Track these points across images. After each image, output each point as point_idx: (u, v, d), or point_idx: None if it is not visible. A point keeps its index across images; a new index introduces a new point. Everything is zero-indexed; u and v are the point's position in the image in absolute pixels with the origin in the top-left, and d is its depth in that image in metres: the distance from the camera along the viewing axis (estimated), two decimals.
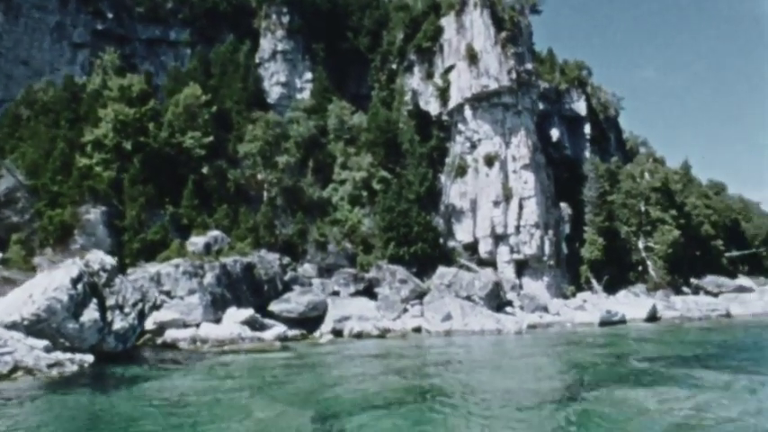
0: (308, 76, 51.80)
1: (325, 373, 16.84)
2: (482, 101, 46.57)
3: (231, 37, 51.92)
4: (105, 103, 36.88)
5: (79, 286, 16.87)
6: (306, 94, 51.08)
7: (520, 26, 49.21)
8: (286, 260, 35.95)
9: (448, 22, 49.91)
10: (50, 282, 17.07)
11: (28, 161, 32.53)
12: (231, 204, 37.47)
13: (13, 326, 16.21)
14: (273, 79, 51.12)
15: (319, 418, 11.00)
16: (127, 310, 17.74)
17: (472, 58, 46.36)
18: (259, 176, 43.01)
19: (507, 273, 44.14)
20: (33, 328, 16.35)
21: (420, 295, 37.00)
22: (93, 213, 30.97)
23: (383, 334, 28.27)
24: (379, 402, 11.93)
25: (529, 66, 48.06)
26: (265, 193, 41.89)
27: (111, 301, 17.58)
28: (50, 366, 14.04)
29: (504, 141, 46.24)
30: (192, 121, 39.79)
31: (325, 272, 37.52)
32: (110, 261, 19.63)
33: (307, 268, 36.78)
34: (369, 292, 36.70)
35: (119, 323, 17.18)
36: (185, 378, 15.30)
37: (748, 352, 20.80)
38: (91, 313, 16.50)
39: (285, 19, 51.51)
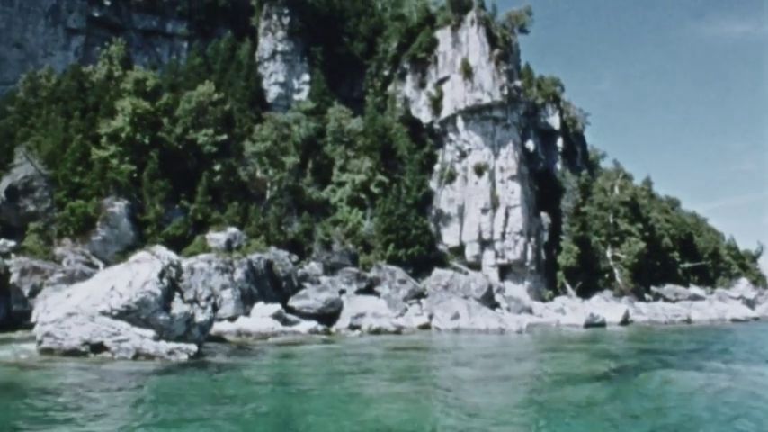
0: (306, 77, 53.11)
1: (401, 359, 18.99)
2: (474, 113, 49.48)
3: (229, 33, 52.52)
4: (118, 95, 37.17)
5: (164, 280, 18.18)
6: (302, 96, 52.38)
7: (511, 44, 52.53)
8: (294, 258, 37.50)
9: (443, 35, 52.51)
10: (135, 275, 18.23)
11: (45, 151, 32.55)
12: (241, 202, 38.58)
13: (101, 315, 17.39)
14: (272, 79, 52.14)
15: (441, 396, 13.12)
16: (203, 303, 19.15)
17: (467, 72, 49.17)
18: (258, 175, 44.15)
19: (492, 276, 47.23)
20: (122, 317, 17.57)
21: (418, 295, 39.51)
22: (118, 206, 31.51)
23: (399, 330, 30.45)
24: (484, 384, 14.22)
25: (518, 83, 51.40)
26: (268, 192, 43.10)
27: (188, 295, 18.93)
28: (170, 353, 15.41)
29: (493, 152, 49.34)
30: (201, 117, 40.52)
31: (330, 270, 39.28)
32: (175, 257, 20.89)
33: (313, 266, 38.41)
34: (370, 290, 38.77)
35: (200, 316, 18.56)
36: (276, 365, 17.03)
37: (730, 348, 24.51)
38: (180, 306, 17.83)
39: (286, 20, 52.58)
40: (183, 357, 15.60)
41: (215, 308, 19.86)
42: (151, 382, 13.40)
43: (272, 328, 25.91)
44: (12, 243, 30.73)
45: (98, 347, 15.37)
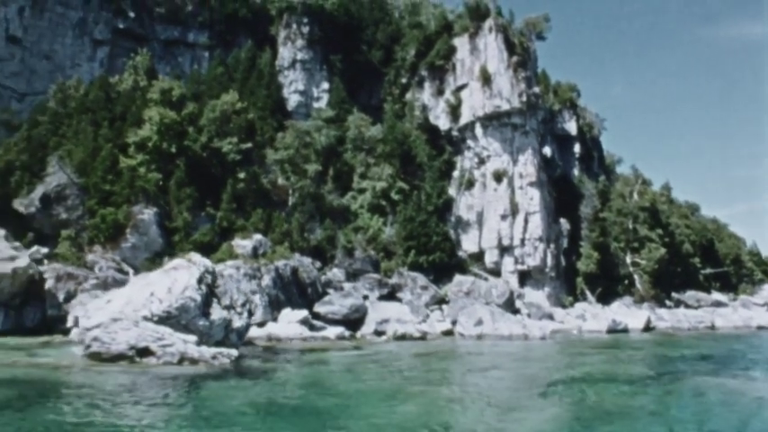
0: (325, 85, 53.73)
1: (435, 363, 19.29)
2: (493, 120, 49.70)
3: (249, 43, 53.29)
4: (144, 105, 37.95)
5: (203, 286, 18.64)
6: (322, 104, 52.96)
7: (528, 51, 52.74)
8: (318, 264, 37.90)
9: (461, 43, 52.85)
10: (174, 282, 18.70)
11: (76, 160, 33.35)
12: (264, 209, 39.10)
13: (144, 320, 17.85)
14: (292, 87, 52.83)
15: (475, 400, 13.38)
16: (239, 309, 19.59)
17: (486, 79, 49.44)
18: (280, 182, 44.70)
19: (511, 282, 47.27)
20: (162, 323, 18.02)
21: (439, 301, 39.78)
22: (147, 214, 32.17)
23: (424, 336, 30.69)
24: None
25: (536, 89, 51.56)
26: (290, 199, 43.62)
27: (225, 301, 19.38)
28: (213, 358, 15.85)
29: (511, 159, 49.49)
30: (224, 125, 41.17)
31: (352, 276, 39.63)
32: (210, 264, 21.35)
33: (336, 273, 38.79)
34: (392, 296, 39.06)
35: (237, 321, 19.00)
36: (314, 371, 17.39)
37: (762, 355, 24.42)
38: (218, 312, 18.27)
39: (305, 29, 53.31)
40: (226, 362, 16.03)
41: (250, 313, 20.29)
42: (198, 387, 13.81)
43: (300, 334, 26.31)
44: (45, 250, 31.49)
45: (143, 352, 15.84)
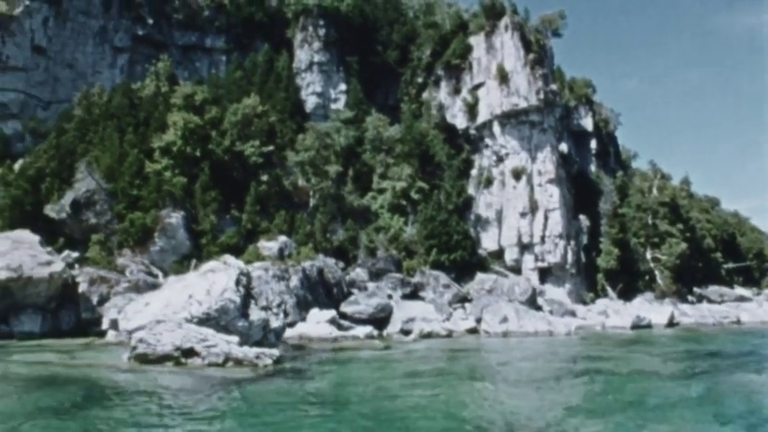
0: (342, 87, 54.07)
1: (469, 359, 19.50)
2: (510, 118, 49.74)
3: (266, 46, 53.78)
4: (167, 110, 38.55)
5: (240, 288, 19.03)
6: (339, 105, 53.32)
7: (545, 48, 52.69)
8: (341, 265, 38.27)
9: (477, 41, 52.93)
10: (212, 284, 19.11)
11: (104, 165, 34.00)
12: (287, 211, 39.55)
13: (185, 322, 18.25)
14: (310, 89, 53.25)
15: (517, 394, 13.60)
16: (275, 310, 19.96)
17: (503, 77, 49.50)
18: (300, 183, 45.14)
19: (532, 280, 47.30)
20: (201, 324, 18.41)
21: (461, 299, 39.94)
22: (174, 217, 32.73)
23: (450, 334, 30.91)
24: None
25: (553, 86, 51.50)
26: (311, 200, 44.04)
27: (261, 302, 19.75)
28: (257, 358, 16.22)
29: (530, 156, 49.50)
30: (246, 129, 41.69)
31: (375, 276, 39.94)
32: (243, 265, 21.75)
33: (359, 272, 39.11)
34: (415, 295, 39.32)
35: (274, 322, 19.37)
36: (354, 370, 17.73)
37: None
38: (257, 313, 18.66)
39: (321, 32, 53.71)
40: (268, 362, 16.37)
41: (285, 314, 20.64)
42: (246, 386, 14.15)
43: (330, 334, 26.62)
44: (75, 254, 32.21)
45: (188, 353, 16.23)
